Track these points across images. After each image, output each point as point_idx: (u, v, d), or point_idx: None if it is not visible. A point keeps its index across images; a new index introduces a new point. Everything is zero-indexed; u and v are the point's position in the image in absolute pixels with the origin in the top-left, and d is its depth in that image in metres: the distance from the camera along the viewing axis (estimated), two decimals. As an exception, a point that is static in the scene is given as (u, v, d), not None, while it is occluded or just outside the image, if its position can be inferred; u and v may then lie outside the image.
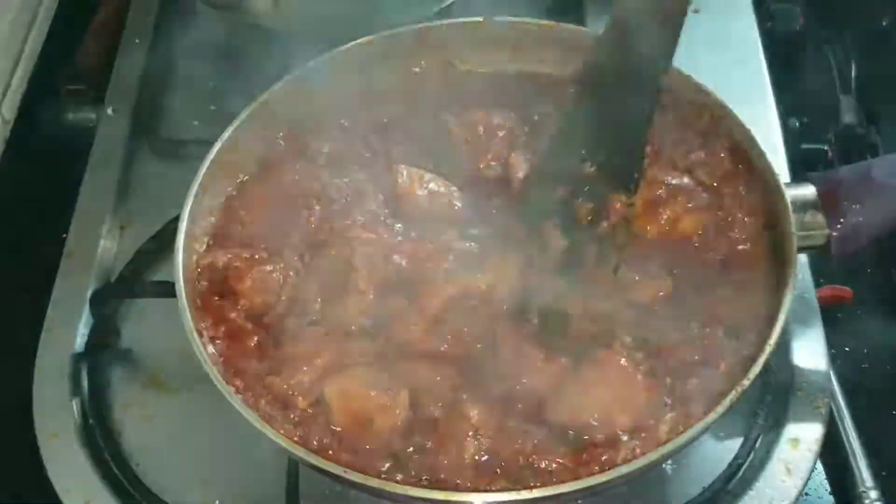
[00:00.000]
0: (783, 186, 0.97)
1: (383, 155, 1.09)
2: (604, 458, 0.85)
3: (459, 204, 1.04)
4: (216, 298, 0.97)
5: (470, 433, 0.86)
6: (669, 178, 1.02)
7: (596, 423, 0.87)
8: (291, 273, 0.98)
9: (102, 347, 1.11)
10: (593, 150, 0.94)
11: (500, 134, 1.08)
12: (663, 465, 0.99)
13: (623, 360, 0.89)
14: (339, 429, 0.88)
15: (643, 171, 1.00)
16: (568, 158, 0.94)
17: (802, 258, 1.09)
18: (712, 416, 0.84)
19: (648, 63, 0.88)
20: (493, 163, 1.07)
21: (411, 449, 0.87)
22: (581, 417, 0.87)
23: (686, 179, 1.02)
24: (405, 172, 1.04)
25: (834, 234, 0.97)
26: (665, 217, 0.99)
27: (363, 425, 0.88)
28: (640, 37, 0.85)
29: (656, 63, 0.87)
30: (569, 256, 0.97)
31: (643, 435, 0.86)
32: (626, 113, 0.91)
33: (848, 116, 1.31)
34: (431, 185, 1.04)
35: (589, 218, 0.99)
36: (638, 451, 0.85)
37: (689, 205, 1.00)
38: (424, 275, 0.97)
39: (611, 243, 0.97)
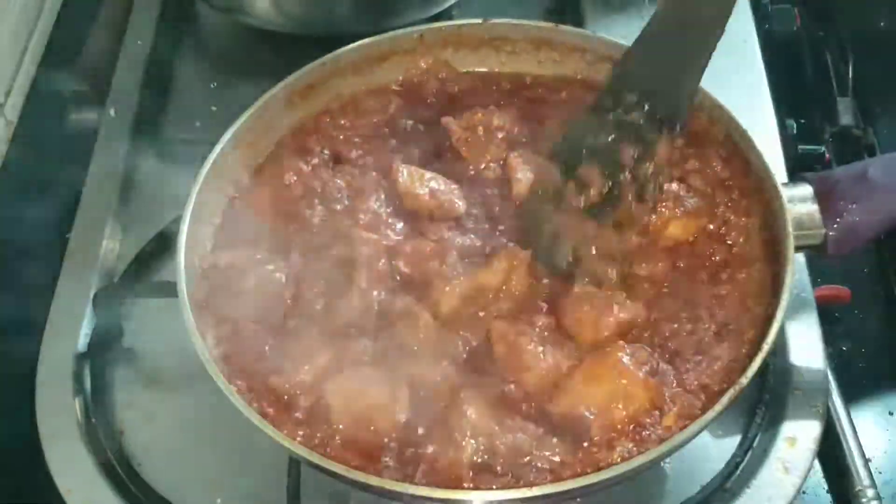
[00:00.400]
0: (780, 187, 0.97)
1: (384, 155, 1.09)
2: (602, 456, 0.85)
3: (460, 202, 1.04)
4: (219, 299, 0.97)
5: (469, 432, 0.86)
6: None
7: (592, 417, 0.87)
8: (293, 273, 0.99)
9: (105, 347, 1.11)
10: (646, 94, 0.94)
11: (500, 135, 1.09)
12: (661, 464, 1.00)
13: (625, 357, 0.90)
14: (340, 427, 0.89)
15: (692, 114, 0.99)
16: (616, 108, 0.95)
17: (799, 258, 1.09)
18: (710, 415, 0.84)
19: (715, 7, 0.90)
20: (492, 164, 1.08)
21: (412, 447, 0.88)
22: (578, 410, 0.88)
23: (675, 185, 1.02)
24: (405, 171, 1.04)
25: (831, 233, 0.97)
26: (653, 223, 0.99)
27: (364, 424, 0.88)
28: None
29: (723, 5, 0.90)
30: (608, 196, 0.96)
31: (641, 431, 0.87)
32: (686, 57, 0.93)
33: (845, 117, 1.31)
34: (432, 184, 1.04)
35: (634, 157, 0.96)
36: (635, 449, 0.85)
37: (679, 210, 1.00)
38: (428, 274, 0.97)
39: (651, 184, 0.96)
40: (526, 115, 1.11)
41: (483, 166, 1.08)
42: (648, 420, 0.87)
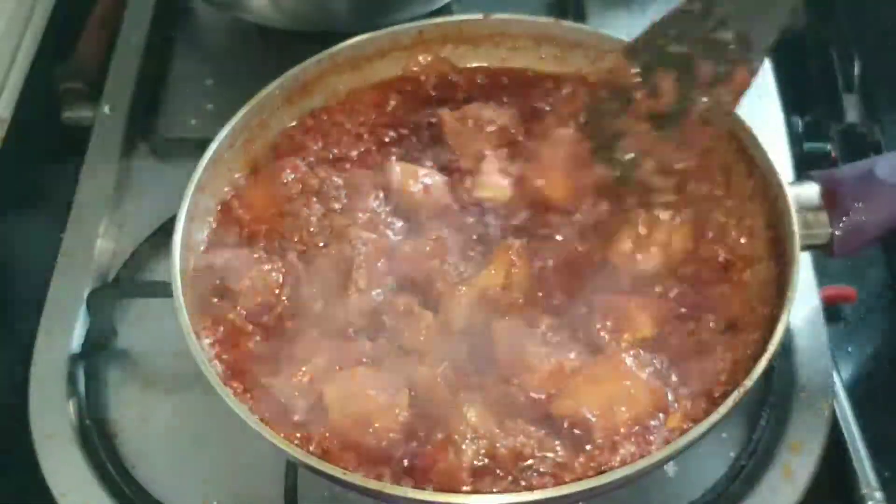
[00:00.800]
0: (785, 185, 0.96)
1: (382, 152, 1.08)
2: (604, 459, 0.85)
3: (453, 198, 1.03)
4: (215, 299, 0.97)
5: (469, 435, 0.85)
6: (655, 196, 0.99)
7: (595, 419, 0.86)
8: (291, 273, 0.98)
9: (99, 348, 1.11)
10: (735, 17, 0.90)
11: (490, 129, 1.07)
12: (665, 467, 0.99)
13: (629, 359, 0.89)
14: (338, 429, 0.87)
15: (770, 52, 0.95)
16: (703, 20, 0.91)
17: (805, 257, 1.08)
18: (714, 417, 0.83)
19: None
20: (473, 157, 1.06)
21: (411, 450, 0.87)
22: (581, 412, 0.87)
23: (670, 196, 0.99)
24: (398, 168, 1.03)
25: (837, 232, 0.96)
26: (657, 242, 0.97)
27: (362, 426, 0.87)
28: None
29: None
30: (676, 109, 0.93)
31: (644, 434, 0.86)
32: None
33: (851, 115, 1.30)
34: (426, 180, 1.03)
35: (710, 80, 0.92)
36: (638, 452, 0.84)
37: (677, 220, 0.98)
38: (430, 273, 0.96)
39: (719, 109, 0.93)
40: (525, 112, 1.10)
41: (466, 158, 1.06)
42: (652, 423, 0.87)
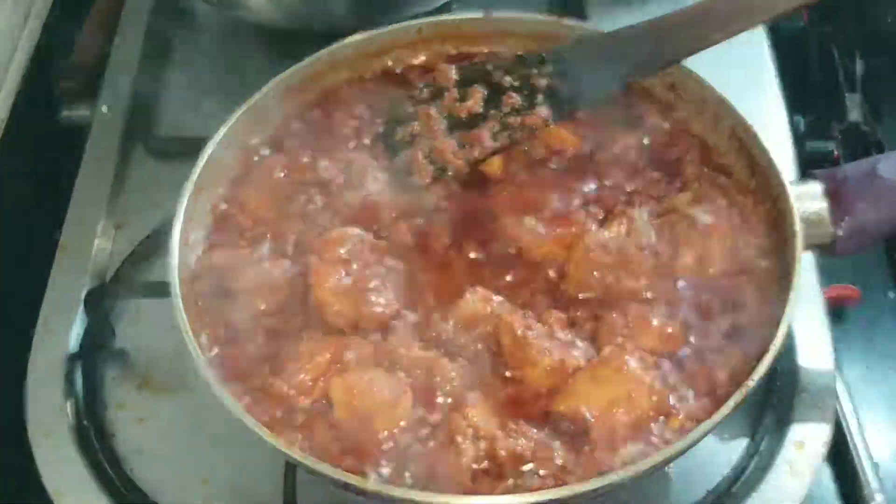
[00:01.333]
0: (787, 184, 0.96)
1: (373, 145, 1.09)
2: (604, 460, 0.84)
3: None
4: (213, 299, 0.96)
5: (470, 436, 0.85)
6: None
7: (594, 420, 0.86)
8: (292, 270, 0.97)
9: (97, 348, 1.10)
10: (563, 76, 1.05)
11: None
12: (666, 468, 0.98)
13: (632, 360, 0.88)
14: (337, 429, 0.87)
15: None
16: (534, 68, 1.06)
17: (808, 257, 1.08)
18: (716, 418, 0.83)
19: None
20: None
21: (411, 451, 0.86)
22: (581, 412, 0.87)
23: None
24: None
25: (840, 232, 0.96)
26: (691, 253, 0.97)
27: (363, 426, 0.87)
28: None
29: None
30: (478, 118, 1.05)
31: (645, 435, 0.85)
32: (615, 73, 1.04)
33: (854, 114, 1.30)
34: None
35: (515, 105, 1.05)
36: (639, 453, 0.84)
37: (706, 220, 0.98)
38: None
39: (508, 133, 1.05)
40: None
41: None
42: (653, 424, 0.86)
